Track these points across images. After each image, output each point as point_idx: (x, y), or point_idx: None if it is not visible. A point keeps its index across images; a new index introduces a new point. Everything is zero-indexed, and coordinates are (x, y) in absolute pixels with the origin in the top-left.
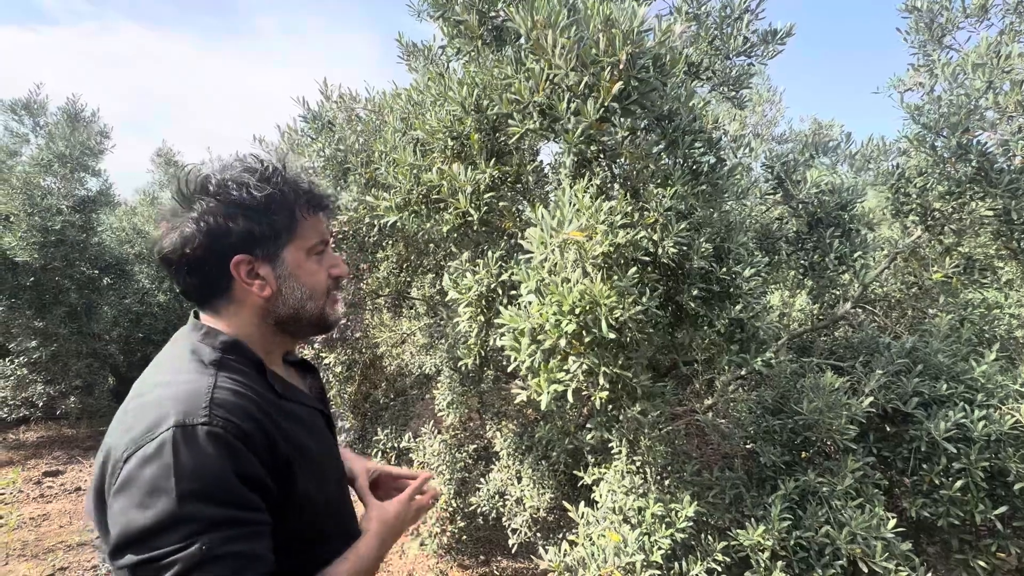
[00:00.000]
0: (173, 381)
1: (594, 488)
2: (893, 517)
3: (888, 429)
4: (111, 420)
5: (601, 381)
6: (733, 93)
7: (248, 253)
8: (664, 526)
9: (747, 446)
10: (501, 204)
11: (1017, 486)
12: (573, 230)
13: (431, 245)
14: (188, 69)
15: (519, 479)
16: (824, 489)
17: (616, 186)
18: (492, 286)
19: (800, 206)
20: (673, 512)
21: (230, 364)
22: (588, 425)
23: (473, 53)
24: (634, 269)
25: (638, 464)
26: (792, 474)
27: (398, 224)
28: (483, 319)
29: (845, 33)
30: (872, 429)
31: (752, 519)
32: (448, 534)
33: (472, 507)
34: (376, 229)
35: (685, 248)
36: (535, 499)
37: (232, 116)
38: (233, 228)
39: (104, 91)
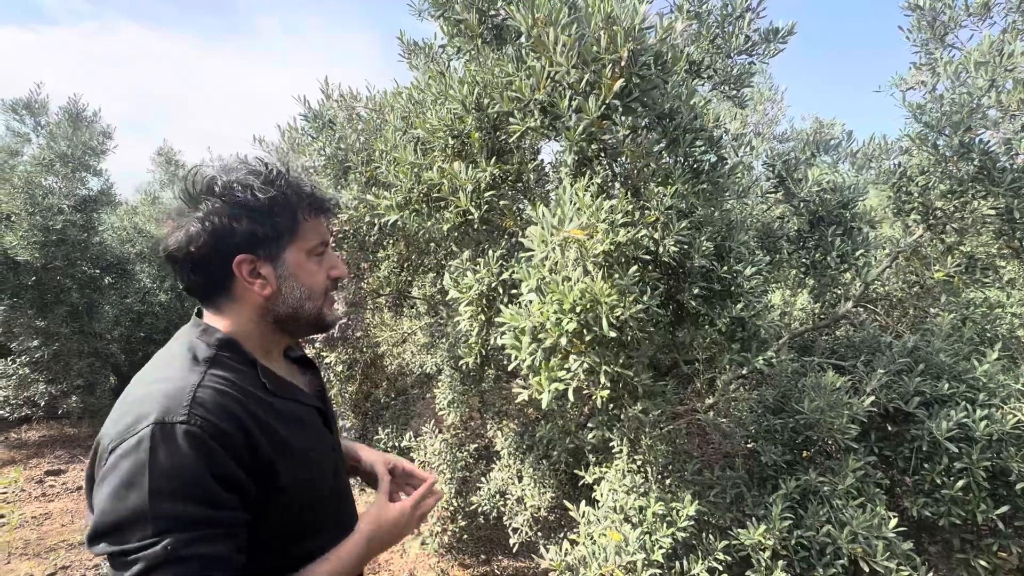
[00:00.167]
0: (163, 377)
1: (595, 487)
2: (894, 516)
3: (889, 428)
4: None
5: (602, 380)
6: (734, 92)
7: (251, 253)
8: (665, 525)
9: (748, 445)
10: (502, 203)
11: (1019, 486)
12: (574, 228)
13: (432, 244)
14: (188, 69)
15: (520, 478)
16: (825, 488)
17: (617, 185)
18: (493, 285)
19: (801, 204)
20: (674, 511)
21: (223, 361)
22: (589, 424)
23: (473, 52)
24: (635, 267)
25: (639, 463)
26: (793, 473)
27: (399, 223)
28: (484, 318)
29: (846, 33)
30: (873, 428)
31: (753, 518)
32: (449, 533)
33: (473, 506)
34: (377, 228)
35: (686, 247)
36: (536, 498)
37: (232, 116)
38: (237, 228)
39: (104, 91)
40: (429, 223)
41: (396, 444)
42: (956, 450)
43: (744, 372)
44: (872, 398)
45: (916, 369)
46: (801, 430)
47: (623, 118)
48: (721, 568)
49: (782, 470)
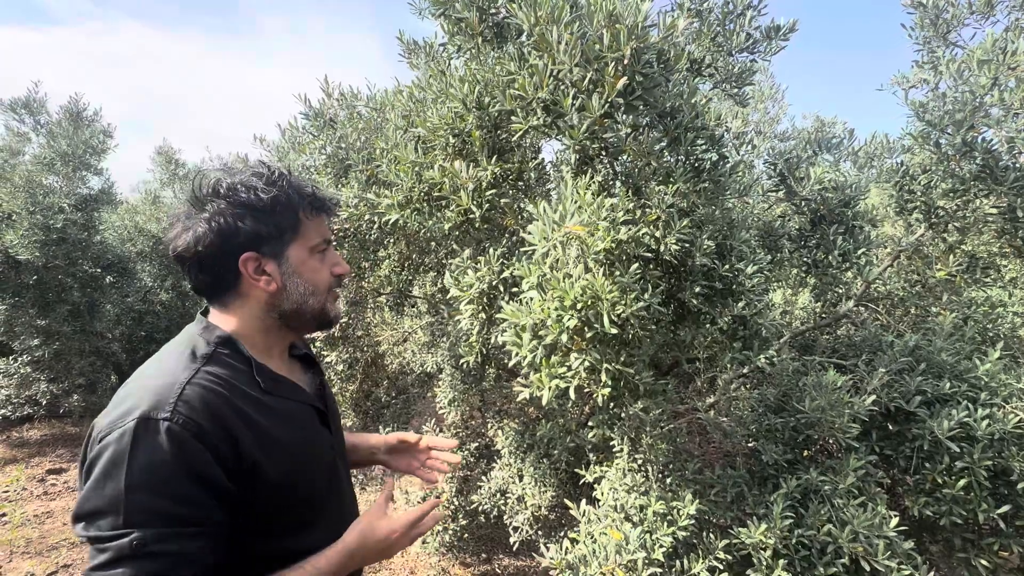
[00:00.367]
0: (158, 372)
1: (596, 486)
2: (895, 516)
3: (890, 428)
4: None
5: (603, 378)
6: (735, 90)
7: (255, 251)
8: (666, 524)
9: (749, 444)
10: (503, 201)
11: (1020, 485)
12: (575, 224)
13: (432, 243)
14: (189, 69)
15: (520, 477)
16: (826, 487)
17: (618, 183)
18: (494, 283)
19: (803, 203)
20: (675, 510)
21: (221, 358)
22: (590, 423)
23: (474, 50)
24: (636, 265)
25: (640, 462)
26: (794, 472)
27: (399, 222)
28: (484, 317)
29: (846, 32)
30: (874, 428)
31: (754, 517)
32: (450, 532)
33: (474, 505)
34: (377, 227)
35: (687, 245)
36: (536, 497)
37: (232, 116)
38: (241, 228)
39: (105, 91)
40: (430, 222)
41: None
42: (957, 449)
43: (745, 371)
44: (873, 397)
45: (917, 368)
46: (802, 429)
47: (625, 116)
48: (722, 567)
49: (783, 469)
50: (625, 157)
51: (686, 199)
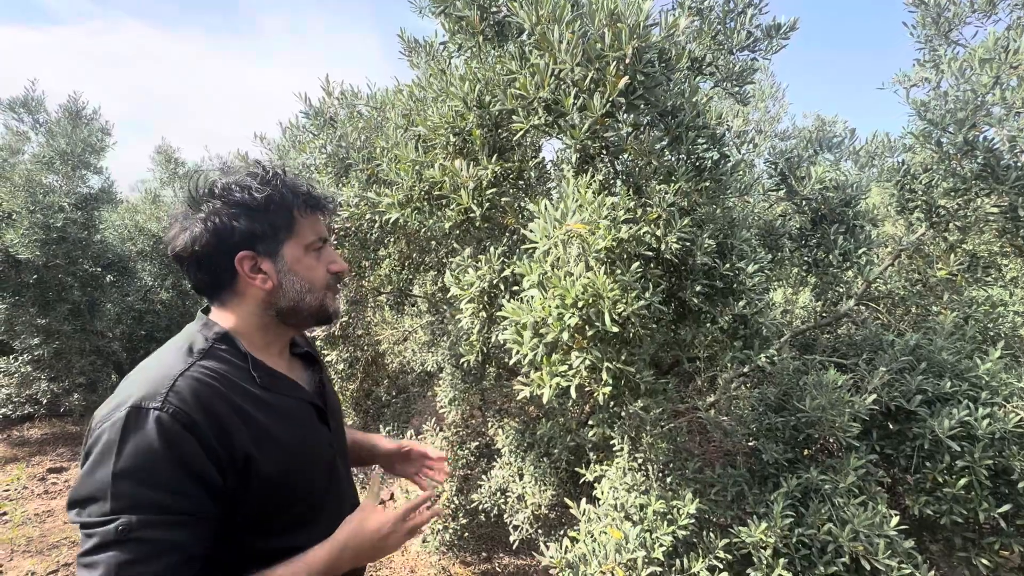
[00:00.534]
0: (154, 366)
1: (596, 485)
2: (896, 515)
3: (891, 427)
4: None
5: (604, 376)
6: (736, 88)
7: (251, 249)
8: (666, 523)
9: (749, 443)
10: (503, 200)
11: (1021, 484)
12: (576, 222)
13: (433, 242)
14: (189, 69)
15: (521, 476)
16: (827, 486)
17: (619, 182)
18: (494, 282)
19: (804, 202)
20: (675, 509)
21: (218, 354)
22: (590, 422)
23: (475, 49)
24: (637, 264)
25: (640, 461)
26: (794, 471)
27: (400, 221)
28: (485, 315)
29: (847, 32)
30: (875, 427)
31: (754, 516)
32: (450, 531)
33: (474, 504)
34: (378, 226)
35: (688, 244)
36: (537, 496)
37: (232, 116)
38: (236, 227)
39: (105, 91)
40: (431, 221)
41: None
42: (958, 448)
43: (745, 370)
44: (874, 396)
45: (918, 367)
46: (802, 428)
47: (626, 115)
48: (722, 566)
49: (783, 468)
50: (626, 156)
51: (687, 198)
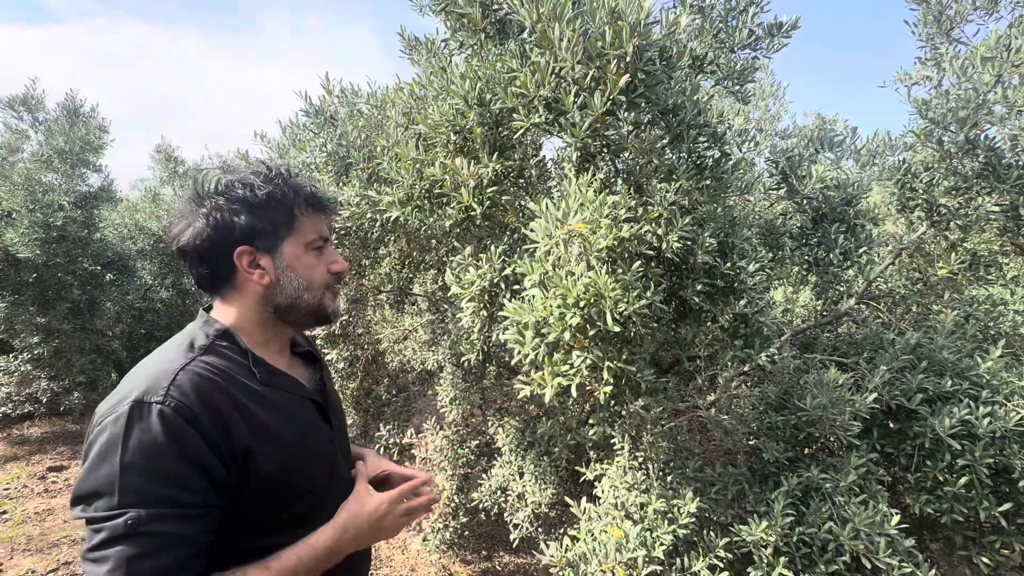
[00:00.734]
0: (155, 361)
1: (596, 484)
2: (896, 514)
3: (891, 425)
4: None
5: (605, 376)
6: (737, 87)
7: (250, 245)
8: (666, 522)
9: (750, 442)
10: (504, 199)
11: (1021, 483)
12: (578, 222)
13: (433, 241)
14: (189, 69)
15: (521, 475)
16: (827, 485)
17: (620, 181)
18: (495, 281)
19: (805, 201)
20: (675, 508)
21: (218, 350)
22: (590, 421)
23: (476, 47)
24: (638, 263)
25: (640, 460)
26: (795, 470)
27: (401, 219)
28: (486, 314)
29: (847, 31)
30: (875, 425)
31: (755, 515)
32: (450, 530)
33: (474, 503)
34: (378, 224)
35: (689, 243)
36: (537, 495)
37: (232, 116)
38: (237, 223)
39: (105, 91)
40: (431, 219)
41: (397, 441)
42: (959, 447)
43: (746, 369)
44: (875, 395)
45: (919, 366)
46: (803, 427)
47: (627, 114)
48: (722, 565)
49: (784, 467)
50: (627, 154)
51: (688, 196)
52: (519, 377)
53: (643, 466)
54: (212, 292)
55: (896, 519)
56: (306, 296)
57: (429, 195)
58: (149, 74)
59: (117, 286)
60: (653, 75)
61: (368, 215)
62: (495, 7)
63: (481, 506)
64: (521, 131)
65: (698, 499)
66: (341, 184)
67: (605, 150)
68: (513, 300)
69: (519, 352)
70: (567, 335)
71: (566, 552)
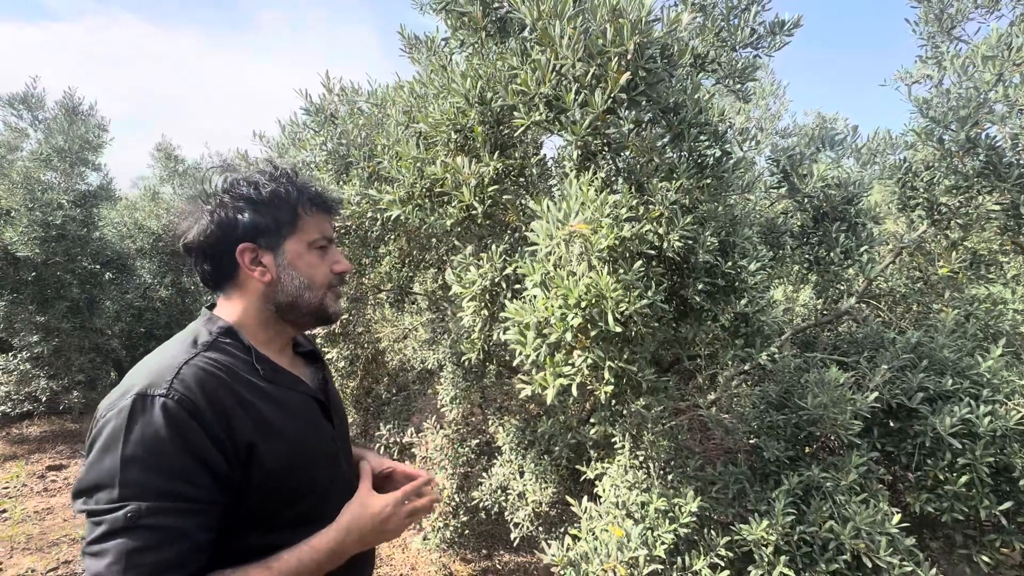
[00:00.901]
0: (159, 356)
1: (596, 483)
2: (897, 512)
3: (892, 424)
4: None
5: (606, 375)
6: (738, 86)
7: (252, 242)
8: (667, 521)
9: (750, 441)
10: (505, 197)
11: (1022, 482)
12: (579, 223)
13: (433, 240)
14: (188, 69)
15: (521, 474)
16: (828, 484)
17: (620, 180)
18: (496, 280)
19: (806, 200)
20: (676, 507)
21: (221, 346)
22: (591, 420)
23: (476, 45)
24: (640, 263)
25: (641, 459)
26: (796, 469)
27: (401, 218)
28: (487, 313)
29: (848, 31)
30: (876, 424)
31: (755, 514)
32: (451, 528)
33: (474, 501)
34: (379, 223)
35: (690, 242)
36: (537, 493)
37: (232, 116)
38: (240, 220)
39: (105, 91)
40: (432, 218)
41: (398, 440)
42: (959, 446)
43: (746, 368)
44: (876, 394)
45: (919, 365)
46: (804, 426)
47: (627, 112)
48: (723, 564)
49: (784, 466)
50: (627, 153)
51: (689, 195)
52: (521, 377)
53: (644, 465)
54: (216, 290)
55: (897, 518)
56: (307, 295)
57: (430, 194)
58: (149, 74)
59: (116, 285)
60: (654, 73)
61: (368, 214)
62: (495, 5)
63: (481, 505)
64: (522, 129)
65: (699, 498)
66: (341, 183)
67: (606, 149)
68: (514, 300)
69: (521, 352)
70: (569, 335)
71: (567, 551)
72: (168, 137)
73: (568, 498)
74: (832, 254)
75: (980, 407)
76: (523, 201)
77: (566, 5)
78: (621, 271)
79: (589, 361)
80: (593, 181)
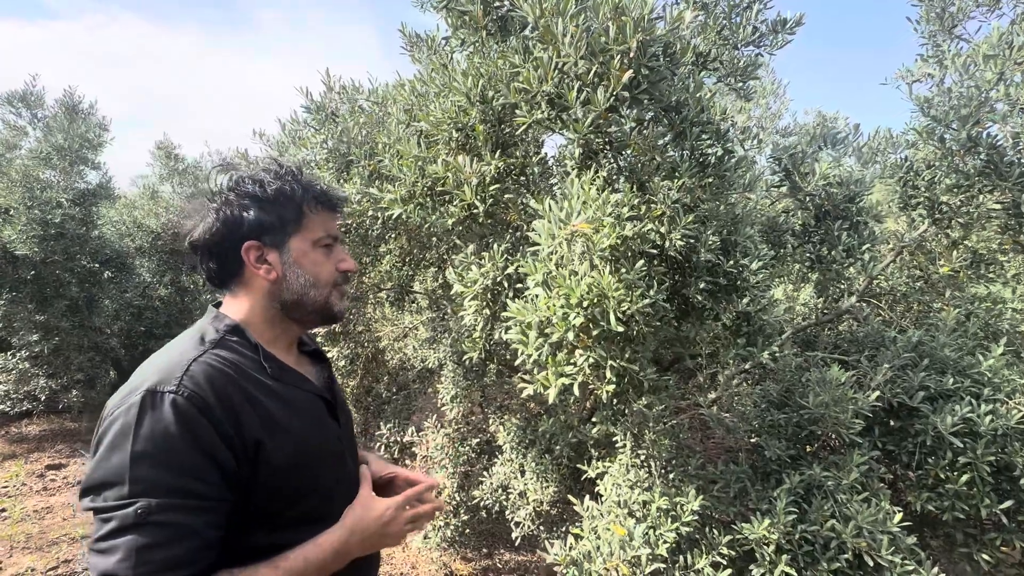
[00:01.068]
0: (167, 354)
1: (598, 482)
2: (899, 511)
3: (893, 423)
4: None
5: (608, 375)
6: (740, 84)
7: (257, 240)
8: (669, 520)
9: (751, 440)
10: (506, 196)
11: (1023, 480)
12: (581, 222)
13: (433, 238)
14: (188, 69)
15: (522, 473)
16: (829, 483)
17: (622, 179)
18: (498, 279)
19: (808, 198)
20: (678, 506)
21: (229, 344)
22: (593, 419)
23: (478, 44)
24: (642, 262)
25: (642, 458)
26: (797, 468)
27: (403, 217)
28: (488, 312)
29: (848, 30)
30: (877, 423)
31: (757, 513)
32: (451, 527)
33: (475, 500)
34: (380, 222)
35: (692, 241)
36: (538, 492)
37: (232, 116)
38: (246, 218)
39: (105, 90)
40: (433, 217)
41: (398, 439)
42: (960, 445)
43: (746, 367)
44: (877, 393)
45: (920, 364)
46: (805, 425)
47: (629, 111)
48: (725, 562)
49: (786, 465)
50: (629, 152)
51: (691, 194)
52: (522, 376)
53: (645, 464)
54: (221, 288)
55: (899, 517)
56: (312, 293)
57: (431, 193)
58: (148, 72)
59: (115, 283)
60: (657, 71)
61: (369, 213)
62: (496, 4)
63: (482, 504)
64: (524, 127)
65: (701, 497)
66: (342, 181)
67: (607, 147)
68: (516, 300)
69: (523, 352)
70: (571, 335)
71: (570, 550)
72: (169, 136)
73: (570, 497)
74: (834, 252)
75: (981, 406)
76: (524, 200)
77: (568, 3)
78: (623, 270)
79: (591, 360)
80: (595, 180)
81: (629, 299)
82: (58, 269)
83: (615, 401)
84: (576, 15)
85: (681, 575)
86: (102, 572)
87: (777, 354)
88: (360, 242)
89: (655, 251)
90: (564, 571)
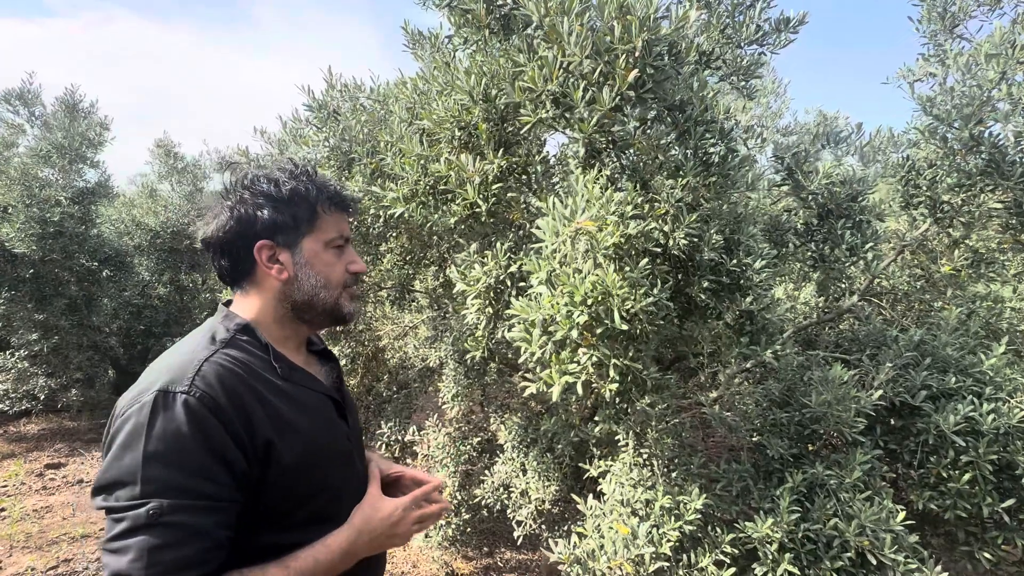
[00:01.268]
0: (178, 353)
1: (600, 481)
2: (902, 510)
3: (894, 422)
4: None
5: (611, 373)
6: (743, 83)
7: (270, 239)
8: (672, 518)
9: (753, 439)
10: (509, 195)
11: None
12: (585, 220)
13: (434, 237)
14: (188, 68)
15: (524, 471)
16: (832, 482)
17: (625, 178)
18: (501, 278)
19: (810, 197)
20: (681, 504)
21: (239, 343)
22: (596, 418)
23: (480, 42)
24: (645, 260)
25: (645, 456)
26: (800, 467)
27: (405, 215)
28: (491, 311)
29: (849, 29)
30: (879, 422)
31: (760, 511)
32: (452, 526)
33: (476, 499)
34: (381, 221)
35: (696, 240)
36: (540, 491)
37: (231, 113)
38: (259, 216)
39: (105, 89)
40: (436, 215)
41: (399, 438)
42: (963, 443)
43: (748, 365)
44: (880, 392)
45: (922, 363)
46: (807, 423)
47: (634, 110)
48: (728, 561)
49: (788, 463)
50: (632, 151)
51: (694, 193)
52: (525, 375)
53: (648, 463)
54: (232, 286)
55: (901, 515)
56: (323, 294)
57: (434, 191)
58: (146, 70)
59: (114, 282)
60: (662, 70)
61: (371, 211)
62: (499, 3)
63: (483, 503)
64: (528, 126)
65: (704, 495)
66: (344, 179)
67: (611, 146)
68: (520, 298)
69: (526, 350)
70: (575, 333)
71: (574, 549)
72: (168, 134)
73: (573, 496)
74: (837, 251)
75: (983, 405)
76: (527, 199)
77: (573, 2)
78: (627, 269)
79: (595, 359)
80: (598, 179)
81: (633, 297)
82: (57, 268)
83: (618, 400)
84: (581, 14)
85: (685, 573)
86: (114, 572)
87: (779, 353)
88: (361, 240)
89: (659, 250)
90: (568, 569)
